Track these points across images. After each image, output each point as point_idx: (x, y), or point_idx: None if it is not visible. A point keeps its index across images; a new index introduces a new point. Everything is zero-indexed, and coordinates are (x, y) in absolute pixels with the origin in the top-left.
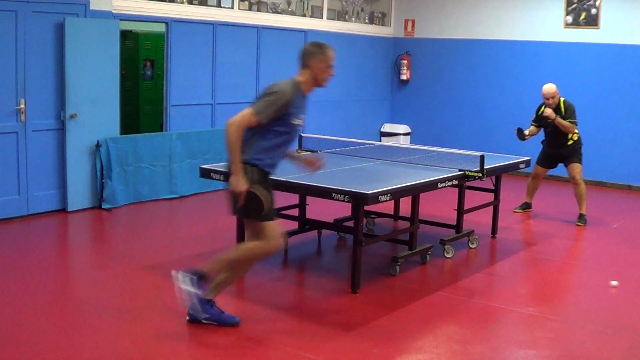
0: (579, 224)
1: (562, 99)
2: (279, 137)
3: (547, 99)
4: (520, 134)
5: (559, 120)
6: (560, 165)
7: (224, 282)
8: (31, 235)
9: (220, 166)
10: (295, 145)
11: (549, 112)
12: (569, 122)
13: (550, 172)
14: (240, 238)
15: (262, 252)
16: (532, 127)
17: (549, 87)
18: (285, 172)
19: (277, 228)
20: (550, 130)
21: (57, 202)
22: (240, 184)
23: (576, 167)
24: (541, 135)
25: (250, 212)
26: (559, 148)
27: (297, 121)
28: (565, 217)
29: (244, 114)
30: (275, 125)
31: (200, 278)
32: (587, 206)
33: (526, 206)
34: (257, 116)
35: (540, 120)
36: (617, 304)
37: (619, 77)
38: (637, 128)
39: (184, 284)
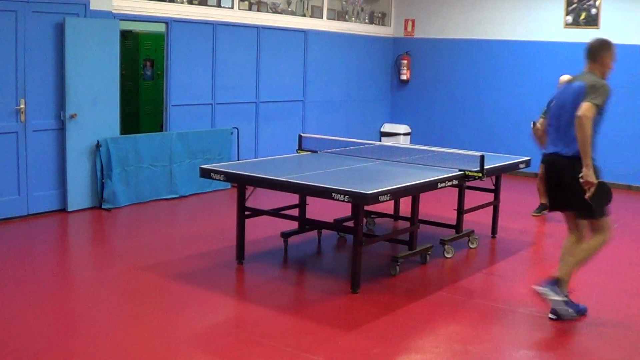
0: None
1: None
2: (597, 130)
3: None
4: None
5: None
6: None
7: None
8: (31, 235)
9: (220, 166)
10: (295, 145)
11: None
12: None
13: None
14: (241, 238)
15: (601, 245)
16: (541, 120)
17: (569, 76)
18: (285, 172)
19: (610, 220)
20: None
21: (57, 202)
22: (593, 176)
23: None
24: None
25: (600, 202)
26: None
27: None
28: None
29: (589, 107)
30: (597, 118)
31: (556, 283)
32: None
33: (543, 208)
34: (600, 106)
35: None
36: (618, 304)
37: (619, 77)
38: (637, 128)
39: (552, 296)
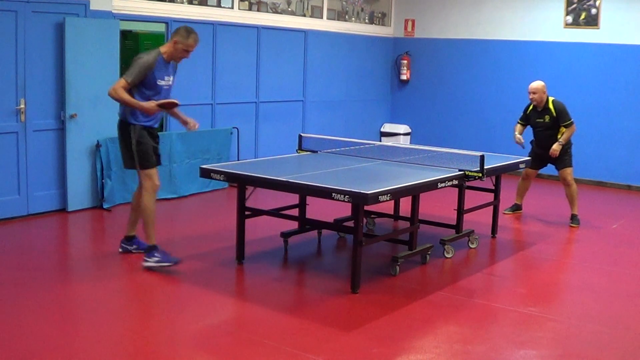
0: (572, 225)
1: (551, 99)
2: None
3: (529, 93)
4: (519, 141)
5: (564, 141)
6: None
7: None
8: (31, 235)
9: (220, 166)
10: (295, 145)
11: (554, 152)
12: (567, 128)
13: (550, 172)
14: (241, 238)
15: (149, 201)
16: (518, 127)
17: (532, 84)
18: (285, 172)
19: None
20: (539, 130)
21: (57, 202)
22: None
23: (567, 170)
24: (530, 134)
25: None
26: (548, 149)
27: (161, 82)
28: (565, 217)
29: (119, 81)
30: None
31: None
32: (587, 206)
33: (516, 208)
34: (129, 79)
35: (528, 119)
36: (617, 304)
37: (619, 77)
38: (637, 128)
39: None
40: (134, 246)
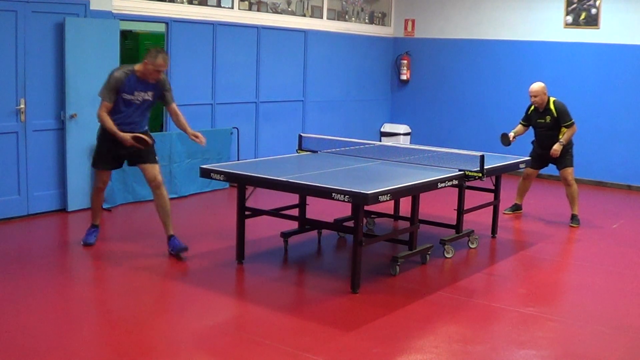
0: (572, 225)
1: (552, 100)
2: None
3: (531, 96)
4: (505, 139)
5: (565, 141)
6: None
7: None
8: (31, 235)
9: (220, 166)
10: (295, 145)
11: (555, 152)
12: (568, 128)
13: (550, 172)
14: (241, 238)
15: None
16: (519, 127)
17: (532, 86)
18: (285, 172)
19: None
20: (540, 130)
21: (57, 202)
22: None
23: (568, 170)
24: (531, 135)
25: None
26: (550, 149)
27: (127, 96)
28: (565, 217)
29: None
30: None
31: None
32: (587, 206)
33: (516, 207)
34: (100, 95)
35: (529, 120)
36: (617, 304)
37: (619, 77)
38: (636, 128)
39: None
40: (170, 247)
